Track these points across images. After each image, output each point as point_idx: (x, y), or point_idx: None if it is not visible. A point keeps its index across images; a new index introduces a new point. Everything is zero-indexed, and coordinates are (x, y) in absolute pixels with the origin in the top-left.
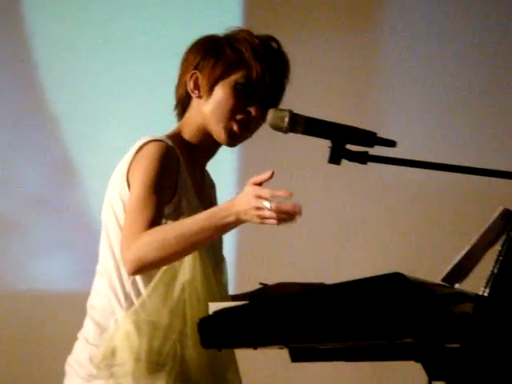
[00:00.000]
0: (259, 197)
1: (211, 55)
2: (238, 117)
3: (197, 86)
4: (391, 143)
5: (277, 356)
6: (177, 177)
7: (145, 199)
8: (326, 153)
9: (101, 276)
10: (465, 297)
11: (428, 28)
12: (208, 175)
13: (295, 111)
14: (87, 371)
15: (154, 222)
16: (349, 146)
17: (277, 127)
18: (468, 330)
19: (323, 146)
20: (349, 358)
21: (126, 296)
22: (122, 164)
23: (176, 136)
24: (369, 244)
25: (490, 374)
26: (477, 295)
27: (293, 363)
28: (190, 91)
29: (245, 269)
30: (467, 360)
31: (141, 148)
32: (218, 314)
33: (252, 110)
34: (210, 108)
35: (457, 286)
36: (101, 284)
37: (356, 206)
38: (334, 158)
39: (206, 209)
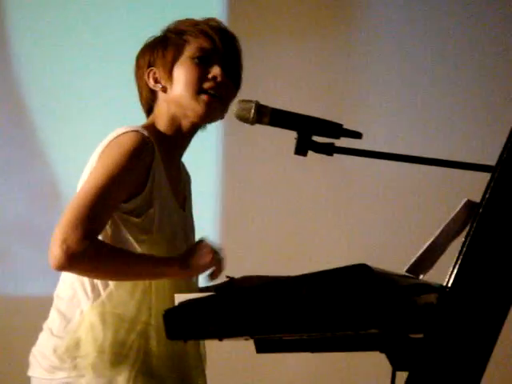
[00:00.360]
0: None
1: (158, 47)
2: (206, 85)
3: (157, 80)
4: (357, 135)
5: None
6: (149, 168)
7: (102, 188)
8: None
9: None
10: (429, 287)
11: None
12: (183, 167)
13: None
14: (50, 362)
15: (101, 218)
16: (316, 138)
17: (243, 118)
18: (431, 320)
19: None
20: (314, 349)
21: (93, 287)
22: (96, 151)
23: (151, 127)
24: (339, 235)
25: (453, 364)
26: (440, 286)
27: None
28: (153, 88)
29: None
30: (431, 350)
31: (116, 137)
32: (184, 305)
33: (216, 75)
34: (178, 90)
35: (421, 276)
36: (68, 275)
37: (330, 198)
38: (301, 150)
39: (179, 203)
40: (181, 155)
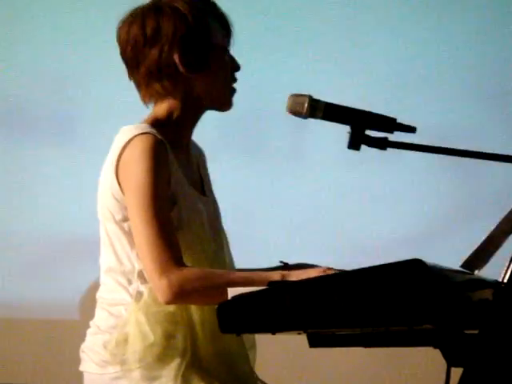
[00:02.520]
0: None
1: (186, 22)
2: (235, 78)
3: (189, 64)
4: (411, 129)
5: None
6: (169, 169)
7: (155, 213)
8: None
9: (105, 271)
10: (484, 283)
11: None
12: (194, 145)
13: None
14: (102, 357)
15: (173, 240)
16: (368, 132)
17: (296, 113)
18: (487, 316)
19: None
20: (367, 344)
21: (133, 286)
22: (110, 160)
23: (156, 121)
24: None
25: (509, 361)
26: (496, 281)
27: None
28: (182, 70)
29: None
30: (486, 346)
31: (129, 142)
32: (237, 298)
33: (238, 69)
34: (212, 79)
35: (476, 272)
36: (107, 278)
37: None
38: (354, 144)
39: (197, 189)
40: (189, 139)
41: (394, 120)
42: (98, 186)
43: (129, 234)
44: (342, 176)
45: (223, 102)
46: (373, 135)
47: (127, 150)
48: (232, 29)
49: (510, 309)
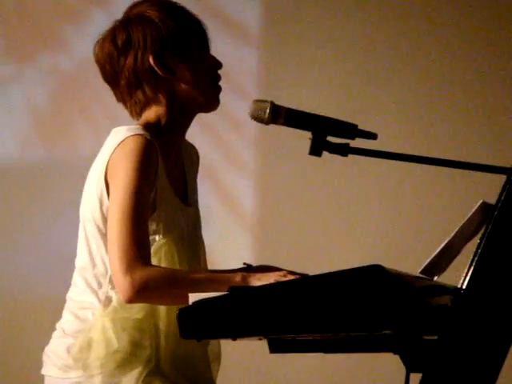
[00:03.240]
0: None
1: (160, 30)
2: (218, 77)
3: (166, 66)
4: (372, 136)
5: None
6: (156, 172)
7: (132, 212)
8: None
9: (78, 271)
10: (443, 289)
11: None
12: (186, 148)
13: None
14: (64, 362)
15: (145, 241)
16: (330, 138)
17: (258, 118)
18: (446, 322)
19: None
20: (327, 350)
21: (103, 291)
22: (100, 160)
23: (148, 125)
24: (357, 236)
25: (467, 367)
26: (455, 288)
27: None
28: (162, 73)
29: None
30: (445, 352)
31: (121, 143)
32: (198, 304)
33: (217, 64)
34: (190, 78)
35: (435, 278)
36: (79, 279)
37: (346, 200)
38: (315, 150)
39: (181, 198)
40: (181, 143)
41: (355, 126)
42: (85, 185)
43: (104, 234)
44: None
45: (208, 100)
46: (334, 141)
47: (118, 150)
48: (205, 29)
49: (468, 315)
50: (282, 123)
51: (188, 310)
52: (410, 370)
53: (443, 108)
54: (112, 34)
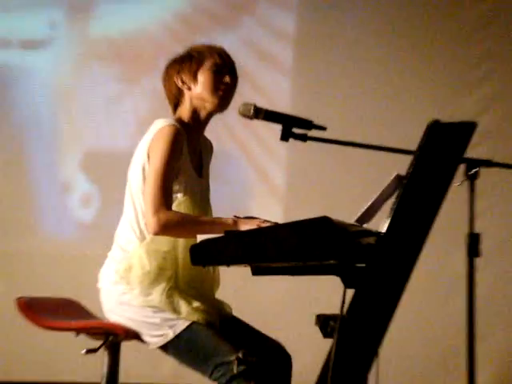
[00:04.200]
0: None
1: (185, 60)
2: (222, 87)
3: (183, 82)
4: (322, 128)
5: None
6: (182, 151)
7: (162, 174)
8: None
9: (124, 216)
10: (370, 233)
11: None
12: (204, 140)
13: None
14: (113, 278)
15: (170, 195)
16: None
17: (245, 115)
18: (371, 254)
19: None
20: (293, 274)
21: (140, 230)
22: (145, 140)
23: (179, 119)
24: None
25: (384, 283)
26: (378, 232)
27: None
28: (180, 87)
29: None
30: (370, 275)
31: (160, 129)
32: (204, 242)
33: (227, 81)
34: (200, 89)
35: (365, 225)
36: (124, 221)
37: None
38: (284, 137)
39: (197, 172)
40: (200, 135)
41: (310, 122)
42: (133, 158)
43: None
44: None
45: (213, 101)
46: (297, 132)
47: (158, 133)
48: (227, 59)
49: (386, 250)
50: (262, 118)
51: (197, 246)
52: (346, 286)
53: (377, 107)
54: (166, 67)
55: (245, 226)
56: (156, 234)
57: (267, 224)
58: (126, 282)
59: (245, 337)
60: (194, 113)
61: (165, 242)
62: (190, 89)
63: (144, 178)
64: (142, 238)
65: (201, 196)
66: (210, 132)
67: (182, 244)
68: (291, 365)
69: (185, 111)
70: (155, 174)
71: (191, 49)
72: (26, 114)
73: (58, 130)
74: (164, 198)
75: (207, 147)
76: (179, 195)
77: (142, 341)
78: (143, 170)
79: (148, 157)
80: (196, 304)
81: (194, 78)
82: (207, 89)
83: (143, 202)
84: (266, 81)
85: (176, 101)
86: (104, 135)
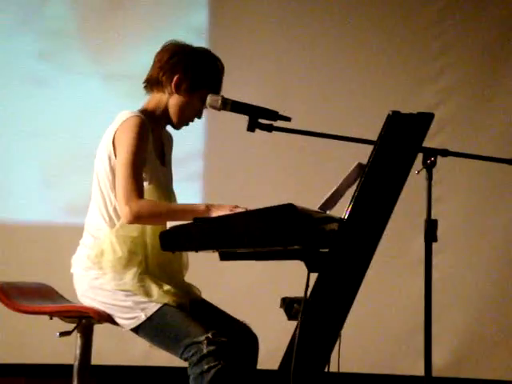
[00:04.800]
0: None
1: (188, 70)
2: (194, 120)
3: (172, 86)
4: (287, 118)
5: None
6: (148, 141)
7: (132, 164)
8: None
9: (92, 203)
10: (332, 219)
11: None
12: (165, 132)
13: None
14: (85, 264)
15: (140, 183)
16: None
17: (213, 106)
18: (334, 240)
19: None
20: (258, 259)
21: (110, 217)
22: (110, 130)
23: (145, 111)
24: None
25: (346, 266)
26: (340, 218)
27: None
28: (172, 89)
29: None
30: (334, 259)
31: (125, 120)
32: (173, 228)
33: (201, 115)
34: (178, 108)
35: (328, 212)
36: (93, 209)
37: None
38: (251, 128)
39: (160, 161)
40: (163, 128)
41: (276, 112)
42: (98, 147)
43: (110, 181)
44: None
45: (177, 121)
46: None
47: (123, 124)
48: (220, 88)
49: (347, 235)
50: (229, 109)
51: (167, 232)
52: (310, 271)
53: (339, 99)
54: (171, 49)
55: (216, 212)
56: (130, 222)
57: (238, 209)
58: (98, 268)
59: (213, 319)
60: (165, 111)
61: (134, 228)
62: (171, 94)
63: (110, 167)
64: (112, 224)
65: (165, 184)
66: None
67: (150, 229)
68: (258, 346)
69: (157, 104)
70: (124, 164)
71: (201, 60)
72: None
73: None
74: (135, 186)
75: (167, 137)
76: (145, 184)
77: (114, 323)
78: (109, 159)
79: (113, 146)
80: (167, 287)
81: (187, 93)
82: (182, 115)
83: (116, 193)
84: None
85: (150, 85)
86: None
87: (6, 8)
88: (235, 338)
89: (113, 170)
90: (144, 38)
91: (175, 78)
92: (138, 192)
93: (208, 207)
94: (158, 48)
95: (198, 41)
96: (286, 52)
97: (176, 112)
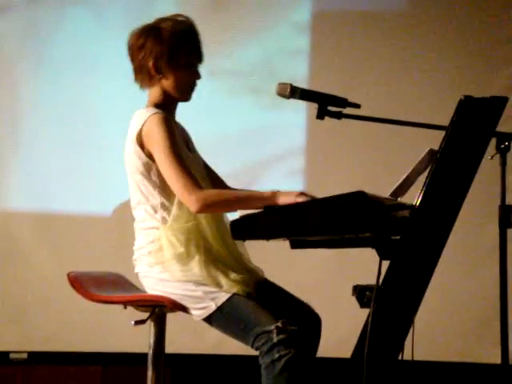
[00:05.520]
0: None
1: (160, 45)
2: (194, 85)
3: (158, 70)
4: (357, 105)
5: None
6: (177, 135)
7: (176, 157)
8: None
9: (135, 205)
10: (404, 206)
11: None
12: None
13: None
14: (148, 261)
15: (192, 174)
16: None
17: (282, 95)
18: (406, 227)
19: None
20: (329, 246)
21: (160, 214)
22: (130, 136)
23: (157, 105)
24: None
25: (418, 254)
26: (412, 205)
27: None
28: (153, 74)
29: None
30: (405, 246)
31: (146, 120)
32: (243, 217)
33: (199, 76)
34: (174, 84)
35: (399, 199)
36: (138, 211)
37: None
38: (320, 116)
39: (185, 145)
40: (175, 113)
41: (345, 99)
42: (124, 153)
43: (149, 179)
44: None
45: (181, 96)
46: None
47: (147, 125)
48: (202, 51)
49: (419, 222)
50: (298, 98)
51: (237, 221)
52: (382, 258)
53: (408, 84)
54: (138, 34)
55: (283, 198)
56: (199, 212)
57: (304, 197)
58: (161, 262)
59: (277, 300)
60: (167, 96)
61: (186, 218)
62: (162, 77)
63: (143, 165)
64: (164, 220)
65: (199, 170)
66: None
67: (203, 217)
68: (320, 326)
69: (157, 95)
70: (169, 160)
71: (165, 29)
72: None
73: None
74: (191, 178)
75: (180, 124)
76: None
77: (187, 312)
78: (139, 158)
79: (141, 148)
80: (233, 275)
81: (170, 69)
82: (181, 88)
83: (174, 188)
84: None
85: (146, 81)
86: None
87: (114, 7)
88: (298, 319)
89: (148, 170)
90: (250, 34)
91: (150, 64)
92: (196, 182)
93: (274, 193)
94: (260, 45)
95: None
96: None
97: (174, 90)
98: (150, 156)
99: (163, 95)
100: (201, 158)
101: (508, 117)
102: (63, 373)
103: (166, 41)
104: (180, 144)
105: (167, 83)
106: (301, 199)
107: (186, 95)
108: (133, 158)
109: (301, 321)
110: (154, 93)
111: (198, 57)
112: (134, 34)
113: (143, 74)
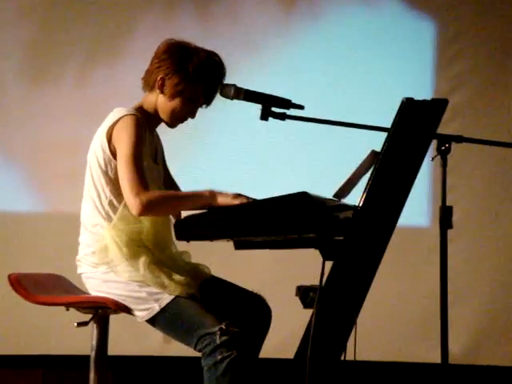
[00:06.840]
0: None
1: (178, 71)
2: (184, 120)
3: (162, 87)
4: (301, 107)
5: None
6: (144, 138)
7: (135, 158)
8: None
9: (86, 200)
10: (347, 207)
11: None
12: (156, 133)
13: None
14: (92, 261)
15: (145, 176)
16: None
17: (225, 96)
18: (349, 228)
19: None
20: (273, 247)
21: (106, 212)
22: (104, 126)
23: (140, 109)
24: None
25: (361, 255)
26: (355, 206)
27: None
28: (157, 86)
29: None
30: (349, 247)
31: (120, 118)
32: (187, 218)
33: (194, 115)
34: (168, 108)
35: (342, 200)
36: (88, 205)
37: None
38: (264, 116)
39: (152, 159)
40: (156, 126)
41: (289, 101)
42: (92, 142)
43: (105, 174)
44: None
45: (167, 120)
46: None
47: (120, 123)
48: (214, 96)
49: (361, 223)
50: (242, 99)
51: (181, 221)
52: (325, 259)
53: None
54: (168, 46)
55: (220, 199)
56: (140, 214)
57: (240, 198)
58: (106, 262)
59: (226, 294)
60: (156, 111)
61: (131, 219)
62: (162, 94)
63: (104, 162)
64: (109, 218)
65: (157, 181)
66: None
67: (147, 220)
68: (271, 316)
69: (149, 104)
70: (127, 159)
71: (194, 60)
72: None
73: None
74: (141, 179)
75: (159, 139)
76: None
77: (130, 313)
78: (103, 152)
79: (108, 142)
80: (177, 277)
81: (172, 92)
82: (171, 114)
83: (122, 187)
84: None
85: (147, 87)
86: None
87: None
88: (250, 309)
89: (107, 165)
90: None
91: (159, 77)
92: (145, 184)
93: (213, 193)
94: None
95: None
96: (297, 41)
97: (164, 112)
98: (113, 152)
99: (153, 108)
100: (165, 172)
101: (448, 119)
102: (3, 376)
103: (185, 68)
104: (146, 151)
105: (162, 102)
106: (237, 201)
107: (172, 122)
108: (98, 149)
109: (251, 311)
110: (147, 100)
111: (206, 99)
112: (167, 43)
113: (148, 80)
